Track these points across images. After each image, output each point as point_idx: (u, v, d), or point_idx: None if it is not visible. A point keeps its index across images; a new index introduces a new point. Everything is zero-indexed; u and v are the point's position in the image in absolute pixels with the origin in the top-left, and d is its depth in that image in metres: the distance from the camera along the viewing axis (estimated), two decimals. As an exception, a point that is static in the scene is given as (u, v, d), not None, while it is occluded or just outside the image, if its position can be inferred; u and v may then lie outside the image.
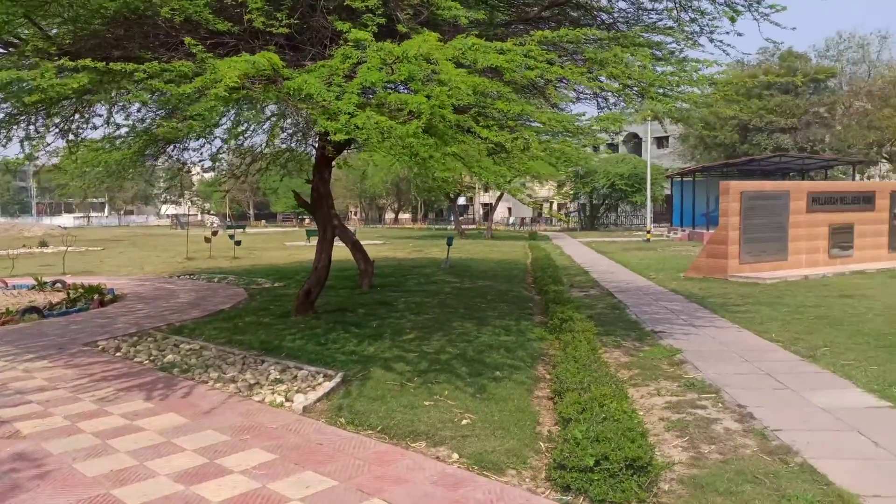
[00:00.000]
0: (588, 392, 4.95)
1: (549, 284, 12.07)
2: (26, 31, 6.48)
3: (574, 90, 8.52)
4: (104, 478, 4.10)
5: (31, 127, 7.87)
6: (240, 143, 11.98)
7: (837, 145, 36.72)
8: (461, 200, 61.64)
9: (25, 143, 7.52)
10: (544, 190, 47.44)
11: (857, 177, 36.50)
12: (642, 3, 8.49)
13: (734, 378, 6.23)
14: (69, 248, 24.77)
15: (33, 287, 13.38)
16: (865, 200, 16.81)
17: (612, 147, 55.92)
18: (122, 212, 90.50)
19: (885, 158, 35.85)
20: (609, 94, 8.36)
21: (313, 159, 11.07)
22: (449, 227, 50.60)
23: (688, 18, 8.19)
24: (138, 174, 13.98)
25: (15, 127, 7.71)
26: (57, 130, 8.43)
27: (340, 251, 14.73)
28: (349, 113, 4.76)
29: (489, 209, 47.06)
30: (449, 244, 19.48)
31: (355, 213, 77.10)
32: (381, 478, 4.05)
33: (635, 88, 7.29)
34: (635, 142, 58.09)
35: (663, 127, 10.10)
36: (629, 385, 6.06)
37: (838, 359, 6.82)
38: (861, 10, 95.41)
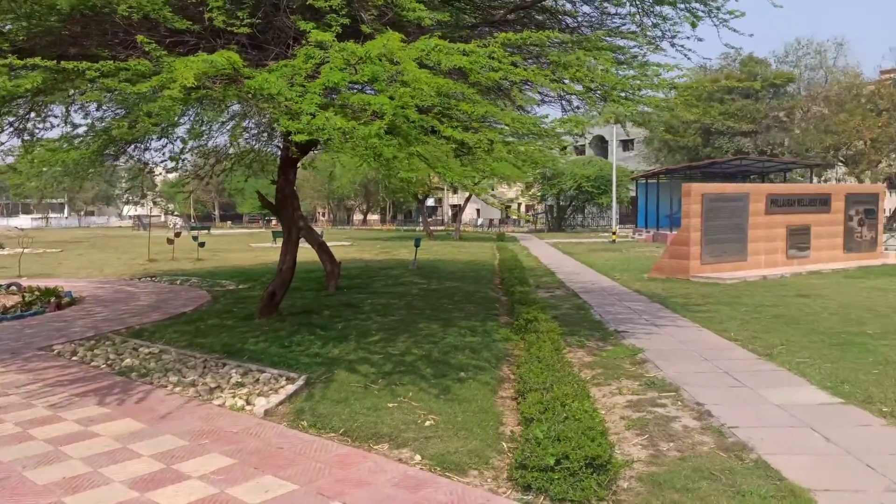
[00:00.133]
0: (550, 392, 4.99)
1: (515, 285, 12.14)
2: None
3: (539, 92, 8.60)
4: (56, 486, 4.00)
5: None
6: (203, 143, 11.83)
7: (796, 149, 37.72)
8: (430, 202, 61.71)
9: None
10: (512, 191, 47.73)
11: (815, 180, 37.54)
12: (606, 8, 8.61)
13: (693, 376, 6.35)
14: (26, 250, 24.04)
15: (-14, 290, 12.95)
16: (822, 203, 17.30)
17: (579, 149, 56.57)
18: (82, 213, 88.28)
19: (842, 162, 36.95)
20: (573, 96, 8.47)
21: (279, 160, 10.97)
22: (417, 228, 50.60)
23: (650, 23, 8.34)
24: (98, 174, 13.66)
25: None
26: (11, 129, 8.19)
27: (307, 253, 14.60)
28: (311, 113, 4.72)
29: (458, 210, 47.16)
30: (417, 245, 19.47)
31: (323, 215, 76.54)
32: (342, 481, 4.02)
33: (598, 92, 7.39)
34: (601, 145, 58.80)
35: (625, 130, 10.23)
36: (592, 384, 6.13)
37: (794, 357, 7.00)
38: (819, 18, 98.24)
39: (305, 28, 5.39)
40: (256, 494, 3.84)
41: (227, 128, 10.66)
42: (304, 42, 5.56)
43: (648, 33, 8.33)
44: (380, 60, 5.14)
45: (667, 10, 8.04)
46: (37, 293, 11.41)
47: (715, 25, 7.90)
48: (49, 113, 8.31)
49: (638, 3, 8.02)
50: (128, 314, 10.29)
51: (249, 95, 5.20)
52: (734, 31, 7.98)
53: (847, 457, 4.31)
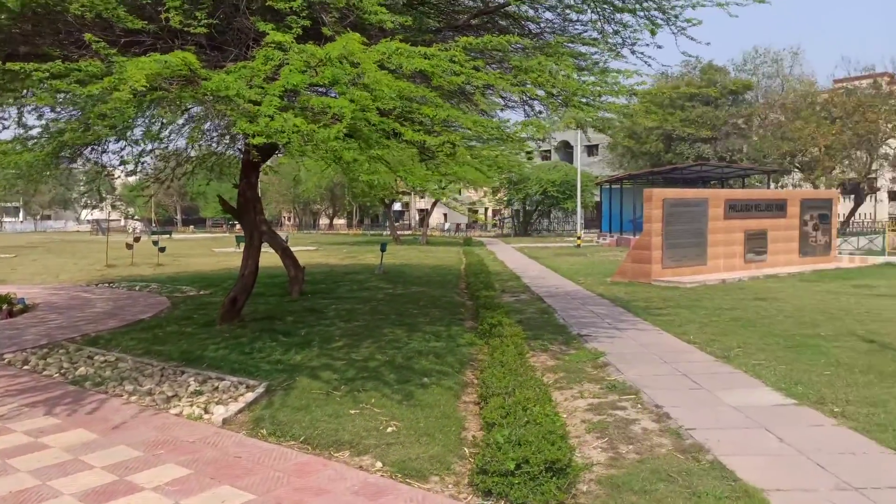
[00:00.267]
0: (512, 396, 5.00)
1: (480, 290, 12.16)
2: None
3: (501, 97, 8.65)
4: (2, 500, 3.85)
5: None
6: (164, 146, 11.59)
7: (754, 155, 38.68)
8: (397, 206, 61.57)
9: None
10: (480, 196, 47.93)
11: (772, 185, 38.56)
12: (568, 15, 8.71)
13: (653, 379, 6.43)
14: (-23, 256, 23.25)
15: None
16: (778, 208, 17.76)
17: (545, 155, 57.10)
18: (38, 217, 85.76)
19: (798, 168, 37.98)
20: (535, 101, 8.54)
21: (241, 163, 10.80)
22: (385, 232, 50.42)
23: (611, 30, 8.46)
24: (54, 177, 13.26)
25: None
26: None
27: (271, 258, 14.43)
28: (269, 115, 4.66)
29: (425, 215, 47.15)
30: (383, 250, 19.39)
31: (289, 219, 75.69)
32: (301, 489, 3.96)
33: (560, 97, 7.46)
34: (567, 150, 59.47)
35: (586, 136, 10.36)
36: (554, 388, 6.17)
37: (750, 359, 7.15)
38: (776, 28, 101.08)
39: (265, 29, 5.33)
40: (212, 505, 3.76)
41: (187, 130, 10.47)
42: (263, 43, 5.49)
43: (609, 40, 8.45)
44: (340, 63, 5.10)
45: (627, 17, 8.17)
46: (-13, 300, 11.00)
47: (673, 33, 8.06)
48: (0, 114, 8.05)
49: (599, 10, 8.13)
50: (83, 321, 10.00)
51: (207, 97, 5.11)
52: (692, 39, 8.17)
53: (799, 457, 4.41)
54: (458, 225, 61.80)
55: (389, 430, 5.00)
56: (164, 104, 6.92)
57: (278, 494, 3.89)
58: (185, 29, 5.62)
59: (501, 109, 9.38)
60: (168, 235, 43.80)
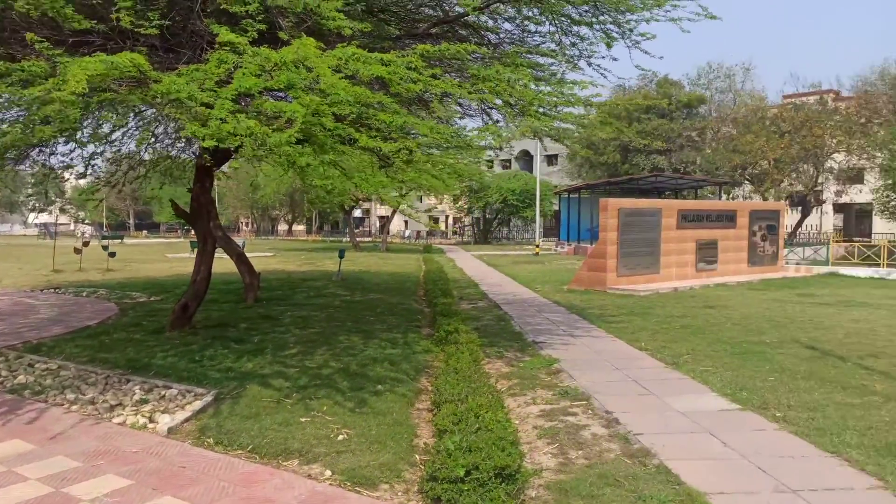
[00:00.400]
0: (465, 403, 5.01)
1: (438, 297, 12.17)
2: None
3: (459, 104, 8.71)
4: (-73, 515, 3.68)
5: None
6: (115, 148, 11.29)
7: (707, 167, 39.71)
8: (357, 213, 61.17)
9: None
10: (442, 204, 48.01)
11: (724, 196, 39.64)
12: (527, 26, 8.83)
13: (605, 385, 6.53)
14: (-87, 259, 22.21)
15: None
16: (728, 219, 18.27)
17: (505, 164, 57.61)
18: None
19: (748, 180, 39.14)
20: (493, 110, 8.63)
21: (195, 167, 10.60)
22: (344, 239, 50.04)
23: (568, 42, 8.61)
24: (-1, 179, 12.77)
25: None
26: None
27: (227, 264, 14.16)
28: (221, 118, 4.59)
29: (385, 222, 47.00)
30: (341, 256, 19.24)
31: (247, 225, 74.48)
32: (246, 499, 3.89)
33: (517, 106, 7.55)
34: (527, 159, 60.10)
35: (543, 145, 10.49)
36: (507, 395, 6.20)
37: (698, 365, 7.32)
38: (728, 43, 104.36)
39: (217, 31, 5.25)
40: (153, 517, 3.66)
41: (139, 133, 10.22)
42: (217, 45, 5.41)
43: (567, 52, 8.60)
44: (296, 67, 5.06)
45: (584, 30, 8.33)
46: (-78, 306, 10.53)
47: (628, 47, 8.25)
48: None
49: (557, 22, 8.26)
50: (26, 328, 9.64)
51: (157, 99, 5.00)
52: (646, 52, 8.38)
53: (742, 460, 4.53)
54: (418, 232, 61.80)
55: (340, 437, 4.95)
56: (112, 106, 6.75)
57: (223, 505, 3.81)
58: (137, 30, 5.51)
59: (460, 117, 9.45)
60: (120, 240, 42.69)
